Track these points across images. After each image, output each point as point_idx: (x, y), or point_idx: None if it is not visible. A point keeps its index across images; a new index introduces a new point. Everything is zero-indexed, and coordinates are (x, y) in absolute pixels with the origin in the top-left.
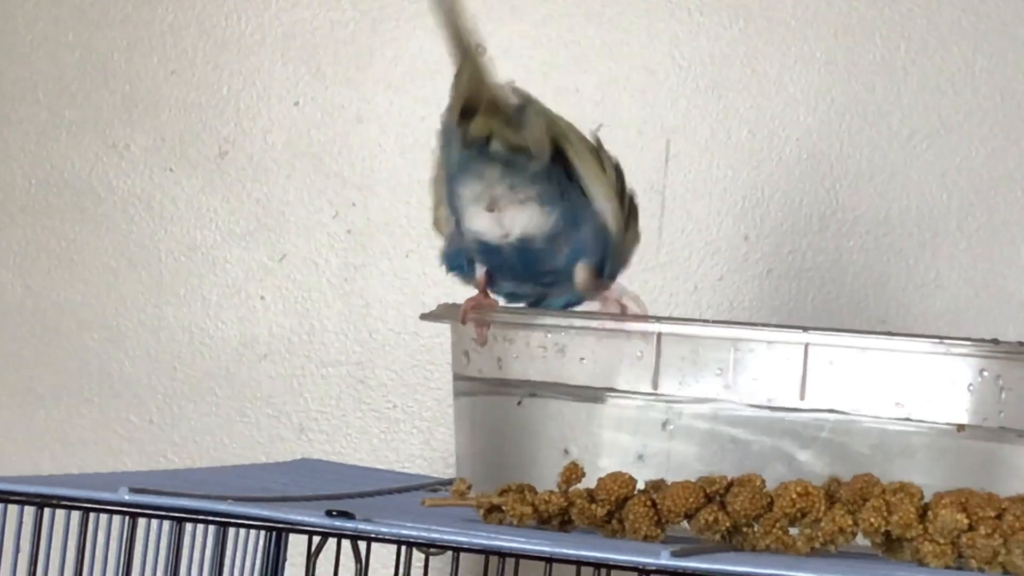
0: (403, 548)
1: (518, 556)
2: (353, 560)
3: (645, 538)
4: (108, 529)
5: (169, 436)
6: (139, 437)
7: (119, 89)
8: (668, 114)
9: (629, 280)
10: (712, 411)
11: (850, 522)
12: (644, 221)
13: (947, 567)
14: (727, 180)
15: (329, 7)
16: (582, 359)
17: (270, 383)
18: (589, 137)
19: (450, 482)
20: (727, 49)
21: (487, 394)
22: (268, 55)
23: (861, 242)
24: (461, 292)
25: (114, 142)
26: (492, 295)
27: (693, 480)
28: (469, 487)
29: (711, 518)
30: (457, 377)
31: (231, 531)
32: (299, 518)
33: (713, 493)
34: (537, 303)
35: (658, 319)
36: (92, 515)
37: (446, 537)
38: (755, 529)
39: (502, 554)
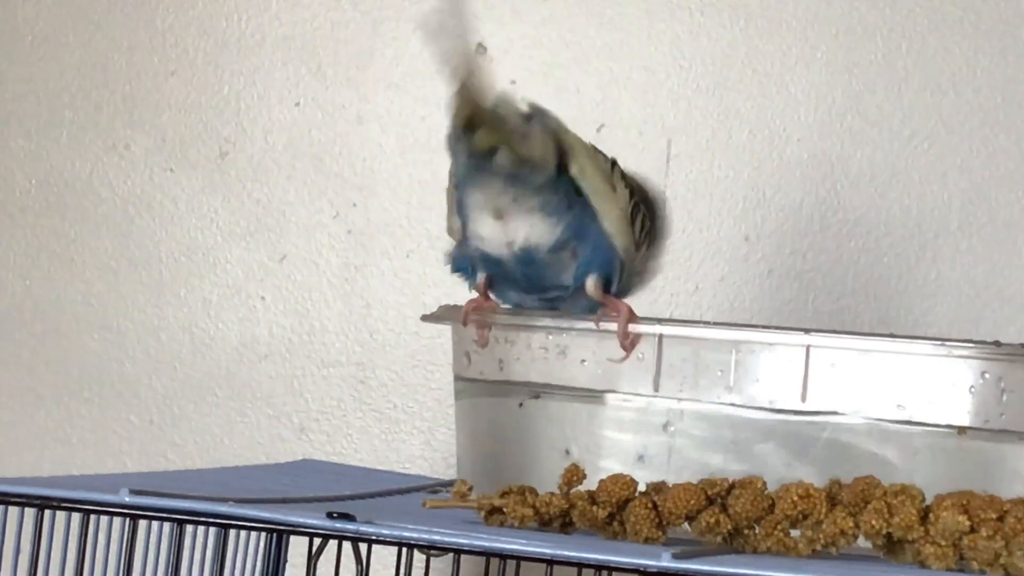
0: (404, 550)
1: (519, 558)
2: (354, 562)
3: (646, 540)
4: (109, 531)
5: (169, 436)
6: (139, 437)
7: (119, 89)
8: (669, 114)
9: None
10: (713, 413)
11: (851, 524)
12: None
13: (948, 569)
14: (728, 180)
15: (329, 7)
16: (583, 361)
17: (270, 383)
18: (602, 154)
19: (451, 483)
20: (728, 49)
21: (488, 395)
22: (268, 55)
23: (862, 243)
24: (462, 293)
25: (114, 142)
26: (493, 298)
27: (694, 482)
28: (470, 489)
29: (712, 520)
30: (458, 378)
31: (232, 533)
32: (300, 520)
33: (714, 495)
34: None
35: (659, 321)
36: (92, 517)
37: (447, 539)
38: (756, 531)
39: (503, 556)
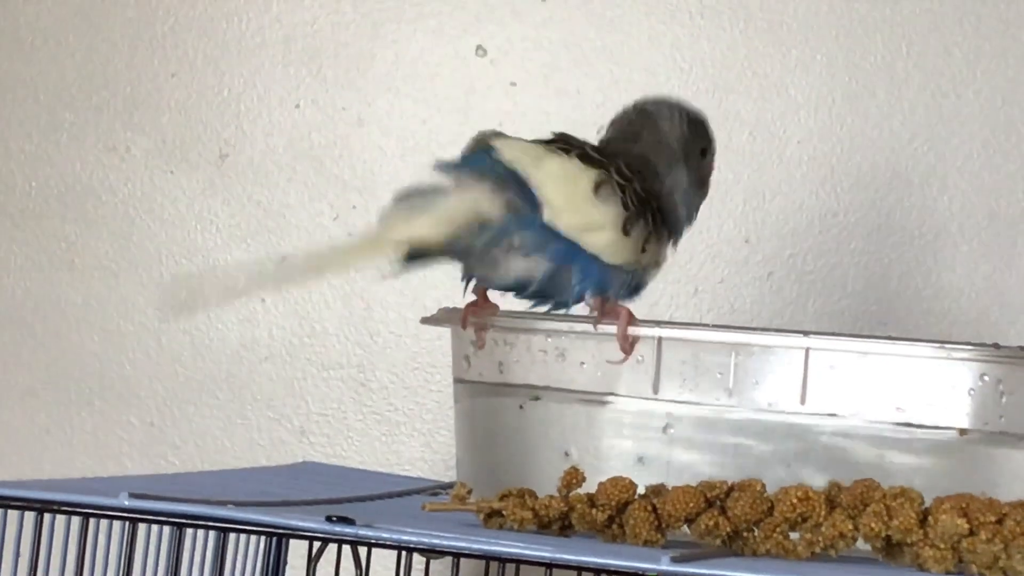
0: (403, 553)
1: (518, 561)
2: (353, 564)
3: (645, 543)
4: (108, 534)
5: (170, 438)
6: (139, 439)
7: (120, 91)
8: None
9: None
10: (713, 415)
11: (850, 527)
12: None
13: (948, 572)
14: (728, 183)
15: (330, 9)
16: (583, 363)
17: (271, 385)
18: (592, 165)
19: (451, 485)
20: (728, 51)
21: (488, 398)
22: (269, 57)
23: (862, 245)
24: (462, 296)
25: (115, 144)
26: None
27: (693, 484)
28: (469, 491)
29: (711, 523)
30: (458, 381)
31: (231, 536)
32: (300, 524)
33: (713, 498)
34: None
35: (659, 323)
36: (92, 520)
37: (446, 542)
38: (755, 534)
39: (502, 559)
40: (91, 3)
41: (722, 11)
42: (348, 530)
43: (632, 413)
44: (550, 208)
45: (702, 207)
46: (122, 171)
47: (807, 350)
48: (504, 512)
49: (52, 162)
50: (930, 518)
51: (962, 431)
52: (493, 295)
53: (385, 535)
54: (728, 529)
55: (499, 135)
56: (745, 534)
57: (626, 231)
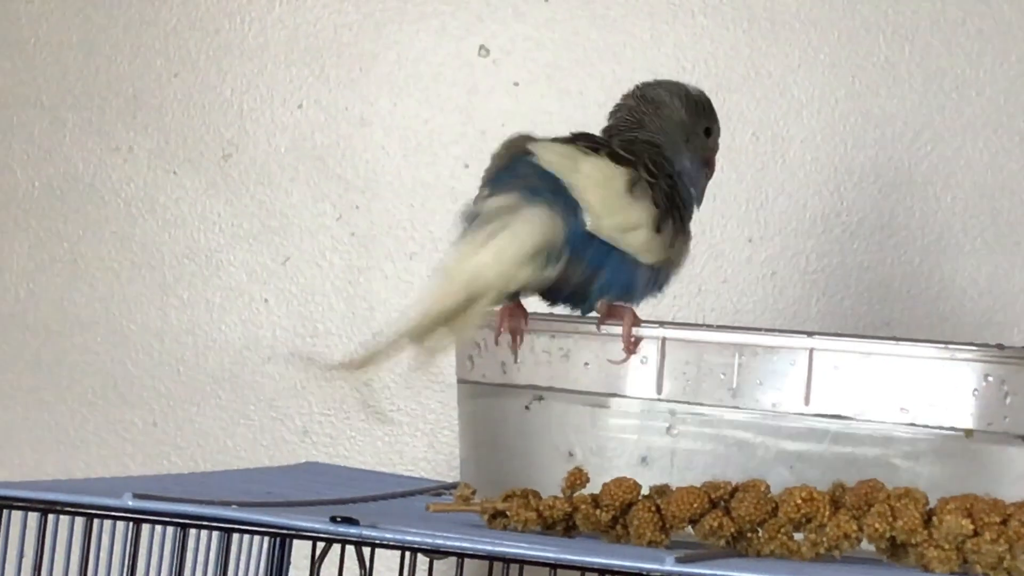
0: (407, 553)
1: (522, 562)
2: (357, 564)
3: (649, 543)
4: (112, 535)
5: (173, 439)
6: (142, 440)
7: (123, 92)
8: None
9: None
10: (716, 416)
11: (855, 527)
12: None
13: (952, 572)
14: (731, 182)
15: (332, 10)
16: (586, 364)
17: (274, 386)
18: (624, 167)
19: (454, 486)
20: (731, 51)
21: (491, 398)
22: (271, 58)
23: (865, 244)
24: None
25: (118, 145)
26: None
27: (697, 485)
28: (473, 492)
29: (715, 523)
30: (461, 381)
31: (235, 536)
32: (303, 524)
33: (717, 498)
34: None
35: (662, 324)
36: (96, 521)
37: (450, 543)
38: (760, 534)
39: (506, 560)
40: (94, 4)
41: (725, 11)
42: (352, 530)
43: (636, 414)
44: (591, 213)
45: (702, 207)
46: (125, 171)
47: (811, 351)
48: (508, 513)
49: (55, 162)
50: (934, 519)
51: (966, 432)
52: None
53: (389, 536)
54: (732, 530)
55: (532, 139)
56: (749, 535)
57: (659, 229)
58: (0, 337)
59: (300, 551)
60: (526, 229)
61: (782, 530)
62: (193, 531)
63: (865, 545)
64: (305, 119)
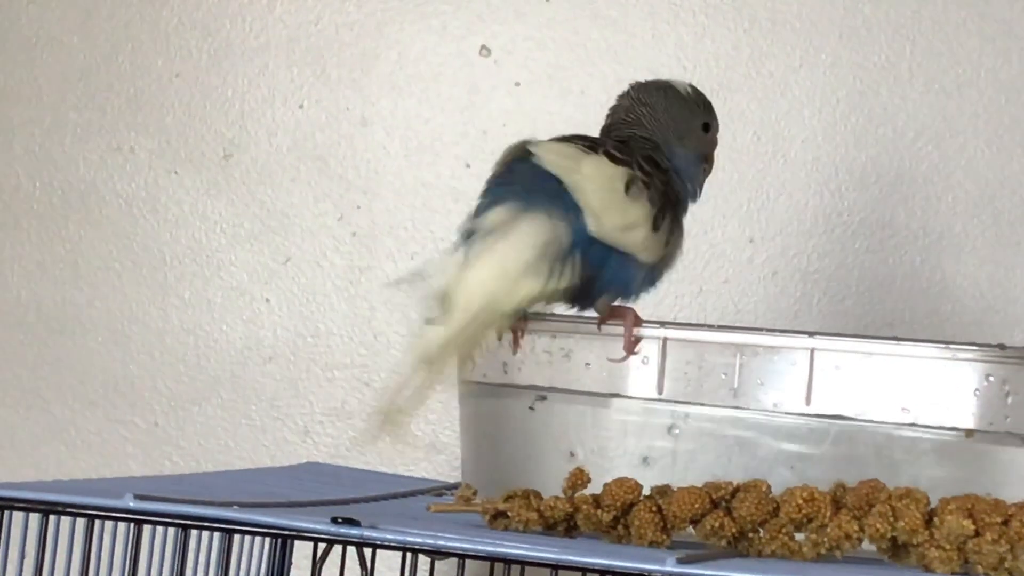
0: (408, 554)
1: (523, 562)
2: (358, 565)
3: (651, 544)
4: (113, 536)
5: (174, 439)
6: (144, 440)
7: (124, 92)
8: None
9: None
10: (718, 416)
11: (856, 528)
12: None
13: (953, 573)
14: (732, 182)
15: (334, 9)
16: (588, 364)
17: (275, 386)
18: (622, 167)
19: (455, 486)
20: (732, 51)
21: (493, 398)
22: (272, 58)
23: (866, 244)
24: None
25: (119, 145)
26: None
27: (699, 485)
28: (475, 492)
29: (717, 523)
30: (462, 381)
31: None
32: (305, 525)
33: (719, 498)
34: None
35: (663, 324)
36: (97, 522)
37: (451, 544)
38: (761, 535)
39: (507, 560)
40: (95, 4)
41: (726, 11)
42: (353, 531)
43: (637, 414)
44: (592, 215)
45: (704, 207)
46: (126, 171)
47: (812, 351)
48: (509, 513)
49: (56, 162)
50: (936, 519)
51: (967, 432)
52: None
53: (390, 536)
54: (733, 530)
55: (532, 142)
56: (750, 535)
57: (656, 227)
58: (1, 337)
59: (301, 552)
60: (524, 240)
61: (783, 530)
62: (194, 532)
63: (866, 545)
64: (306, 119)
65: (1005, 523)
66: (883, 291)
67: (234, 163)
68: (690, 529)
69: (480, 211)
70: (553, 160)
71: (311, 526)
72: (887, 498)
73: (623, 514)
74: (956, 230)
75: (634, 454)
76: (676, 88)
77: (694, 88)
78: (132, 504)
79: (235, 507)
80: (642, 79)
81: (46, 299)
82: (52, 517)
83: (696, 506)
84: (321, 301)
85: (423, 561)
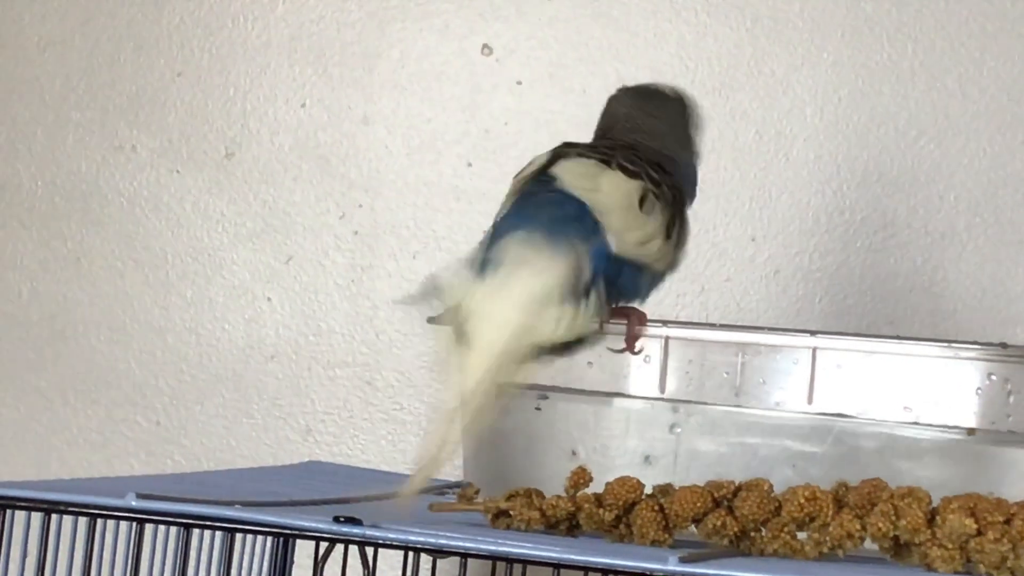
0: (410, 553)
1: (525, 561)
2: (361, 564)
3: (653, 543)
4: (116, 535)
5: (176, 438)
6: (146, 439)
7: (126, 91)
8: None
9: None
10: (720, 415)
11: (858, 527)
12: None
13: (955, 572)
14: (734, 181)
15: (336, 8)
16: (590, 363)
17: (277, 385)
18: (636, 180)
19: (457, 485)
20: (734, 50)
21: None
22: (275, 56)
23: (868, 243)
24: None
25: (121, 144)
26: None
27: (701, 484)
28: (477, 491)
29: (719, 522)
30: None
31: (238, 536)
32: (307, 524)
33: (721, 497)
34: None
35: (665, 323)
36: (99, 521)
37: (453, 543)
38: (763, 534)
39: (510, 559)
40: (97, 3)
41: (728, 9)
42: (355, 530)
43: (639, 412)
44: (615, 235)
45: (704, 206)
46: (128, 170)
47: (814, 349)
48: (511, 512)
49: (58, 161)
50: (938, 518)
51: (969, 430)
52: None
53: (392, 535)
54: (735, 529)
55: (552, 162)
56: (752, 534)
57: (668, 235)
58: (3, 336)
59: (303, 551)
60: (550, 272)
61: (785, 529)
62: (196, 531)
63: (868, 544)
64: (308, 118)
65: (1007, 522)
66: (885, 290)
67: (236, 162)
68: (692, 528)
69: (497, 237)
70: (573, 182)
71: (313, 525)
72: (889, 497)
73: (625, 513)
74: (958, 229)
75: (636, 453)
76: (668, 93)
77: (683, 91)
78: (134, 503)
79: (237, 506)
80: (629, 83)
81: (48, 298)
82: (54, 516)
83: (698, 505)
84: (323, 300)
85: (425, 560)
